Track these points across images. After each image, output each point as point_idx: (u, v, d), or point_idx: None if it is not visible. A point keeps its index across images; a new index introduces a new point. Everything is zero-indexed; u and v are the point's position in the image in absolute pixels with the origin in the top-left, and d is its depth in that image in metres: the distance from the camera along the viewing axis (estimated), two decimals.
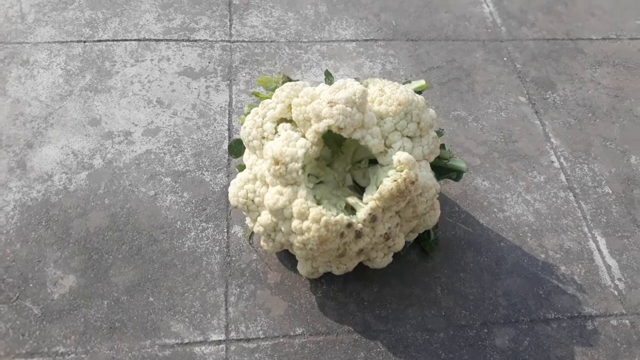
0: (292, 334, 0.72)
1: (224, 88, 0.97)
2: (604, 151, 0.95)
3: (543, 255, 0.81)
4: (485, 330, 0.74)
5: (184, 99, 0.96)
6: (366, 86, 0.71)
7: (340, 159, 0.71)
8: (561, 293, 0.78)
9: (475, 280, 0.78)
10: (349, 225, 0.63)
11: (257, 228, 0.69)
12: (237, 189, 0.69)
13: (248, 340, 0.71)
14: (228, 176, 0.86)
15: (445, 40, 1.11)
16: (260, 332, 0.71)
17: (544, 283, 0.78)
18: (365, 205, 0.64)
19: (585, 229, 0.85)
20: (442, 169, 0.75)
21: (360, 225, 0.64)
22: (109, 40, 1.03)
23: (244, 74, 1.00)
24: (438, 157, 0.73)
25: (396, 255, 0.74)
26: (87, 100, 0.94)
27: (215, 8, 1.10)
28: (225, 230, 0.80)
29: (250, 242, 0.79)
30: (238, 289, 0.75)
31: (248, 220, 0.74)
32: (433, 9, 1.16)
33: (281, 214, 0.65)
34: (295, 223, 0.64)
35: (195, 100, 0.96)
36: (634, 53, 1.12)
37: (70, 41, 1.02)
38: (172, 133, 0.91)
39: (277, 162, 0.63)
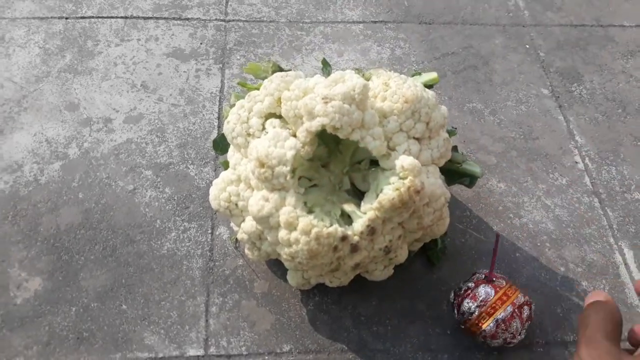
0: (278, 351, 0.64)
1: (215, 72, 0.89)
2: (635, 152, 0.86)
3: (563, 269, 0.73)
4: (496, 354, 0.66)
5: (171, 83, 0.87)
6: (368, 79, 0.62)
7: (338, 159, 0.62)
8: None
9: None
10: (344, 238, 0.55)
11: (241, 235, 0.62)
12: (219, 190, 0.61)
13: (229, 356, 0.64)
14: (215, 170, 0.78)
15: (462, 24, 1.01)
16: (243, 348, 0.64)
17: (563, 300, 0.70)
18: (363, 215, 0.56)
19: (611, 240, 0.76)
20: (453, 173, 0.67)
21: (356, 237, 0.56)
22: (93, 17, 0.94)
23: (238, 57, 0.91)
24: (449, 160, 0.64)
25: (398, 265, 0.66)
26: (65, 83, 0.86)
27: None
28: (210, 232, 0.73)
29: (237, 245, 0.71)
30: (220, 298, 0.68)
31: (233, 224, 0.66)
32: None
33: (267, 223, 0.57)
34: (283, 233, 0.56)
35: (184, 84, 0.87)
36: None
37: (51, 17, 0.94)
38: (156, 121, 0.83)
39: (262, 165, 0.55)
